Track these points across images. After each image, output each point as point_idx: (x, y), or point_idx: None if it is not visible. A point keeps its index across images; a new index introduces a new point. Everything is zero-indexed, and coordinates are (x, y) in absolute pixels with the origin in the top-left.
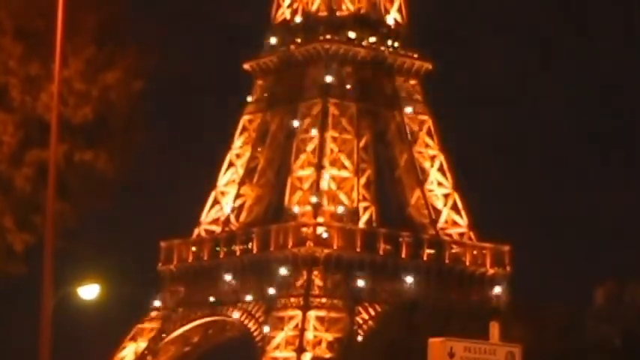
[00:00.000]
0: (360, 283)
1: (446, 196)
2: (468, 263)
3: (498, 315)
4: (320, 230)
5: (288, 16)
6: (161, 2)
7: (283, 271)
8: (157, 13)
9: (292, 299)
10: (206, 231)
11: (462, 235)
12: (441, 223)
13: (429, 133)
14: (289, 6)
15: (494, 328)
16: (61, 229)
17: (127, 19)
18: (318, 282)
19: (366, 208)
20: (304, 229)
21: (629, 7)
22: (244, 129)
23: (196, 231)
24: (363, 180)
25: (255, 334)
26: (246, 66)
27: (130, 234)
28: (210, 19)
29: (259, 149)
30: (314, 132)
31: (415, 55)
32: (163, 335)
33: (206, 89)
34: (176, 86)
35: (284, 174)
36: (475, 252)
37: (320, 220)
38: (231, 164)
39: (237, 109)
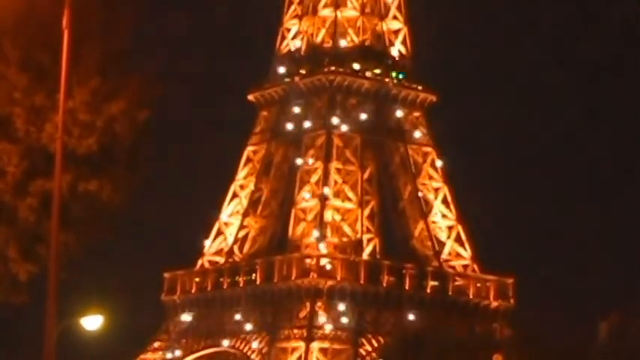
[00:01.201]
0: (364, 314)
1: (450, 228)
2: (471, 295)
3: (502, 348)
4: (324, 261)
5: (292, 47)
6: (165, 32)
7: (287, 302)
8: (161, 42)
9: (295, 330)
10: (210, 262)
11: (465, 267)
12: (444, 255)
13: (432, 165)
14: (294, 37)
15: None
16: (64, 260)
17: (131, 50)
18: (321, 313)
19: (369, 240)
20: (308, 261)
21: None
22: (248, 160)
23: (200, 262)
24: (366, 211)
25: None
26: (250, 97)
27: (134, 264)
28: (215, 47)
29: (263, 180)
30: (318, 163)
31: (419, 87)
32: None
33: (211, 119)
34: (180, 115)
35: (288, 205)
36: (479, 284)
37: (323, 251)
38: (235, 195)
39: (242, 140)
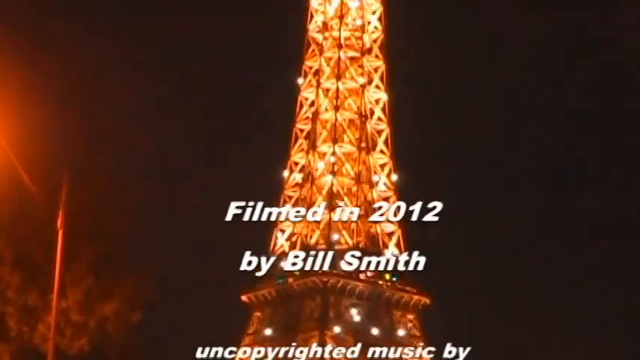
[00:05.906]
0: None
1: None
2: None
3: None
4: None
5: (286, 248)
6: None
7: None
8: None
9: None
10: None
11: None
12: None
13: None
14: (288, 239)
15: None
16: None
17: (125, 250)
18: None
19: None
20: None
21: None
22: None
23: None
24: None
25: None
26: (243, 297)
27: None
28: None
29: None
30: None
31: (413, 290)
32: None
33: (204, 321)
34: (171, 317)
35: None
36: None
37: None
38: None
39: (235, 339)
